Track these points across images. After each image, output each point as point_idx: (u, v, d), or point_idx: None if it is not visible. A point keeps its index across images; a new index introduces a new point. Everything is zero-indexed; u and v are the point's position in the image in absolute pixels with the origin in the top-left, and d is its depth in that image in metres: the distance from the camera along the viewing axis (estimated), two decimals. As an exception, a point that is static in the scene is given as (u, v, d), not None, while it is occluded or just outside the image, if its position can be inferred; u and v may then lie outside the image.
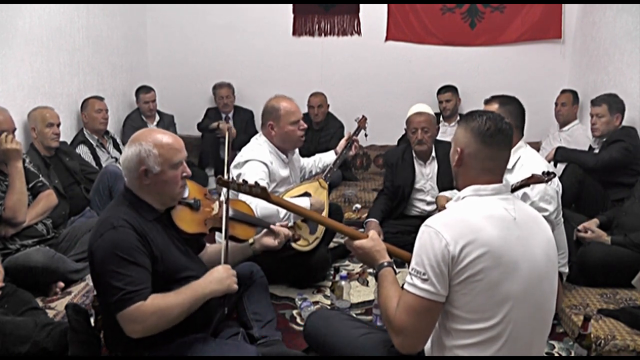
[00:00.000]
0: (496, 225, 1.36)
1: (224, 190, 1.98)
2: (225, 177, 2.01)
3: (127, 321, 1.55)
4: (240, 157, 2.70)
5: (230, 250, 1.87)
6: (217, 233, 2.15)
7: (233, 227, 1.98)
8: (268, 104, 2.77)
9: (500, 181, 1.48)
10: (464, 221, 1.37)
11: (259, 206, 2.38)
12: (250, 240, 2.07)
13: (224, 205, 1.91)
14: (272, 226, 2.09)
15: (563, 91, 4.27)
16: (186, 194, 1.86)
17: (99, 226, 1.64)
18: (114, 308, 1.55)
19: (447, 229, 1.35)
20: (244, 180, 1.92)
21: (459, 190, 1.51)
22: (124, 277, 1.55)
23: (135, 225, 1.64)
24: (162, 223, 1.76)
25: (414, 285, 1.36)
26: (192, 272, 1.74)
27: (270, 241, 2.07)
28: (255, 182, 1.90)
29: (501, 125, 1.45)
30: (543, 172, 2.03)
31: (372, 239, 1.69)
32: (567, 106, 4.17)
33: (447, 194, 2.81)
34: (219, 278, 1.72)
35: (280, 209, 2.44)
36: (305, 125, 2.81)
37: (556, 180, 2.29)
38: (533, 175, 2.03)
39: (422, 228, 1.40)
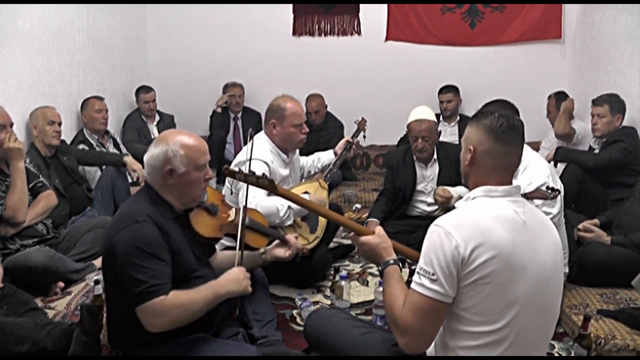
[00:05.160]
0: (506, 228, 1.35)
1: (226, 190, 1.99)
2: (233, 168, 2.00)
3: (149, 314, 1.55)
4: (241, 155, 2.70)
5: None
6: (226, 237, 2.16)
7: (247, 235, 2.00)
8: (274, 103, 2.77)
9: (511, 183, 1.46)
10: (475, 223, 1.35)
11: (259, 205, 2.39)
12: (262, 250, 2.08)
13: (241, 213, 1.92)
14: (286, 237, 2.11)
15: (549, 97, 4.22)
16: (205, 198, 1.88)
17: (120, 219, 1.65)
18: (136, 300, 1.55)
19: (458, 230, 1.33)
20: (251, 171, 1.91)
21: (469, 190, 1.50)
22: (148, 271, 1.56)
23: (157, 221, 1.65)
24: (180, 223, 1.77)
25: (422, 285, 1.34)
26: (202, 274, 1.76)
27: (281, 252, 2.10)
28: (263, 174, 1.88)
29: (513, 122, 1.45)
30: (547, 188, 2.02)
31: (379, 235, 1.65)
32: (552, 112, 4.13)
33: (448, 189, 2.81)
34: (237, 279, 1.75)
35: (280, 209, 2.45)
36: (307, 130, 2.81)
37: (559, 182, 2.29)
38: (537, 190, 2.03)
39: (432, 227, 1.38)
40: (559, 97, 4.08)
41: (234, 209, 2.03)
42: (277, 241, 2.12)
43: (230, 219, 1.98)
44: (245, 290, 1.78)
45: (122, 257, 1.59)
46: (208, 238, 1.87)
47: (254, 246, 2.06)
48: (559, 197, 2.24)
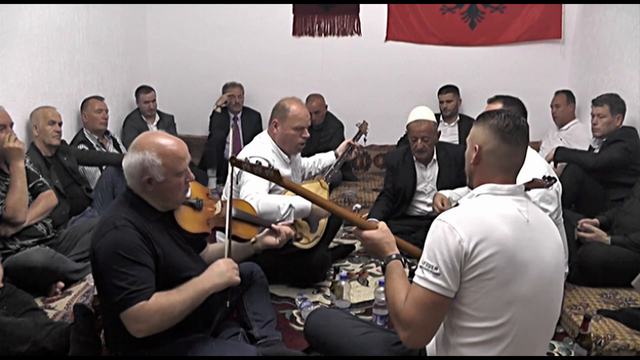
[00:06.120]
0: (510, 226, 1.36)
1: (225, 189, 1.98)
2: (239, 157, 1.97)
3: (131, 321, 1.54)
4: (242, 154, 2.71)
5: (232, 249, 1.87)
6: (218, 232, 2.15)
7: (235, 227, 1.98)
8: (280, 102, 2.78)
9: (515, 182, 1.47)
10: (479, 218, 1.36)
11: (260, 202, 2.39)
12: (253, 239, 2.07)
13: (227, 204, 1.91)
14: (273, 225, 2.09)
15: (557, 92, 4.25)
16: (188, 194, 1.86)
17: (101, 226, 1.63)
18: (117, 308, 1.55)
19: (462, 225, 1.34)
20: (257, 161, 1.88)
21: (472, 189, 1.50)
22: (127, 277, 1.54)
23: (138, 225, 1.63)
24: (165, 223, 1.75)
25: (425, 279, 1.35)
26: (195, 272, 1.74)
27: (272, 240, 2.07)
28: (269, 164, 1.86)
29: (519, 122, 1.46)
30: (544, 177, 2.03)
31: (382, 230, 1.66)
32: (562, 107, 4.16)
33: (445, 193, 2.81)
34: (219, 272, 1.72)
35: (281, 207, 2.45)
36: (308, 135, 2.79)
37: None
38: (534, 180, 2.03)
39: (436, 222, 1.39)
40: (569, 93, 4.14)
41: (219, 202, 2.00)
42: (267, 229, 2.10)
43: (216, 212, 1.95)
44: (231, 281, 1.73)
45: (102, 265, 1.58)
46: (196, 234, 1.84)
47: (244, 237, 2.03)
48: (556, 194, 2.23)
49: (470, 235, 1.32)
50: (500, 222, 1.35)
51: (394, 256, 1.59)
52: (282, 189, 2.72)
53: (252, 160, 1.87)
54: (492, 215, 1.37)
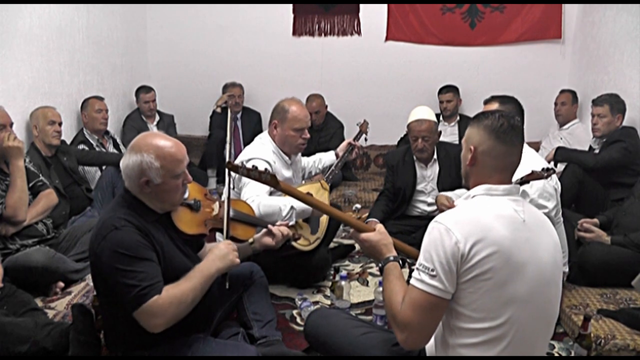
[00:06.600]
0: (506, 226, 1.36)
1: (225, 189, 1.98)
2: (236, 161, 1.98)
3: (147, 316, 1.54)
4: (243, 155, 2.70)
5: None
6: (217, 233, 2.15)
7: (234, 228, 1.97)
8: (279, 103, 2.78)
9: (511, 182, 1.48)
10: (475, 219, 1.36)
11: (261, 204, 2.39)
12: (250, 240, 2.07)
13: (225, 205, 1.90)
14: (270, 226, 2.08)
15: (562, 91, 4.28)
16: (186, 195, 1.85)
17: (100, 228, 1.63)
18: (131, 306, 1.54)
19: (458, 226, 1.34)
20: (253, 165, 1.89)
21: (469, 190, 1.51)
22: (136, 274, 1.54)
23: (137, 224, 1.63)
24: (162, 224, 1.75)
25: (421, 280, 1.35)
26: None
27: (269, 241, 2.07)
28: (265, 169, 1.86)
29: (514, 122, 1.46)
30: (542, 169, 2.03)
31: (380, 232, 1.67)
32: (567, 105, 4.18)
33: (447, 194, 2.81)
34: (221, 255, 1.74)
35: (282, 208, 2.45)
36: (308, 136, 2.78)
37: (555, 177, 2.29)
38: (533, 172, 2.04)
39: (432, 224, 1.39)
40: (574, 94, 4.17)
41: (217, 203, 1.99)
42: (264, 230, 2.10)
43: (214, 213, 1.94)
44: (232, 263, 1.76)
45: (107, 266, 1.57)
46: (193, 235, 1.84)
47: (242, 238, 2.03)
48: (554, 191, 2.23)
49: (467, 236, 1.32)
50: (496, 222, 1.36)
51: (391, 258, 1.59)
52: (282, 190, 2.72)
53: (249, 165, 1.87)
54: (488, 216, 1.37)
